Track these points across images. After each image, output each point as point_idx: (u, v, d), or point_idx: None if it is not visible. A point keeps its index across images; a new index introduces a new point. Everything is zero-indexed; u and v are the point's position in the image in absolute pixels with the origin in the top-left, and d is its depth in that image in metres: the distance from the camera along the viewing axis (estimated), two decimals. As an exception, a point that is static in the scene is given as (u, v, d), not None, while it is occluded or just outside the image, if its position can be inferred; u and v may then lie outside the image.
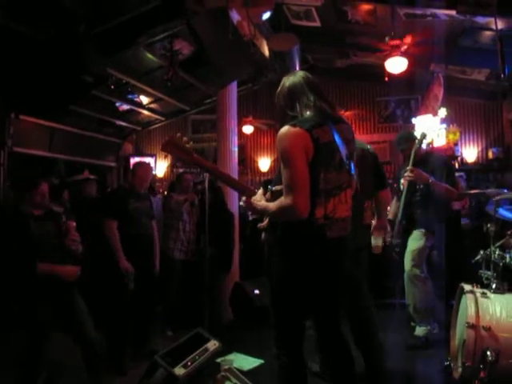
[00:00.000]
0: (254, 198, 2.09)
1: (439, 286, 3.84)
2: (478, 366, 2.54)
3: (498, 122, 7.49)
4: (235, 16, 4.36)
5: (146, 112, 7.34)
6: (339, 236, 2.00)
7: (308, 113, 2.01)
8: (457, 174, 5.39)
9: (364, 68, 7.35)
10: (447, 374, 2.93)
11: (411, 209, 3.86)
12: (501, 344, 2.55)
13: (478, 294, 2.77)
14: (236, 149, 5.49)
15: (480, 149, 7.59)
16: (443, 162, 3.96)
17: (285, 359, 2.06)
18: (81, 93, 5.10)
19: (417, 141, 3.82)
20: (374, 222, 3.44)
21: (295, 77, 2.14)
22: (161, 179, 8.92)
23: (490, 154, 7.38)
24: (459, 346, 2.90)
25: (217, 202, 4.82)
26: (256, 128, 8.28)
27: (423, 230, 3.82)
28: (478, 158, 7.58)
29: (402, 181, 3.84)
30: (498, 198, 3.25)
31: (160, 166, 8.99)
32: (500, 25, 4.54)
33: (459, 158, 7.50)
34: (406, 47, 5.24)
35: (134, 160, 7.04)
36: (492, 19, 4.50)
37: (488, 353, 2.52)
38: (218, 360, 3.08)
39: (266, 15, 4.66)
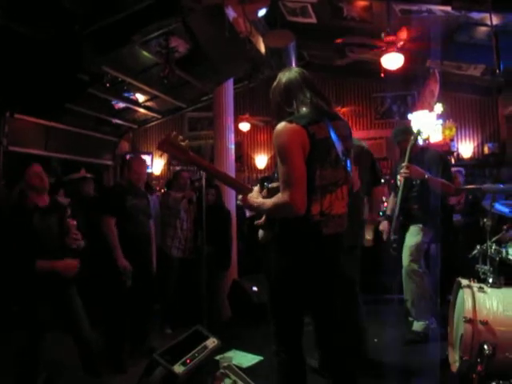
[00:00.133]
0: (250, 195, 2.09)
1: (435, 281, 3.86)
2: (475, 360, 2.56)
3: (494, 118, 7.51)
4: (231, 13, 4.35)
5: (142, 110, 7.34)
6: (335, 232, 2.00)
7: (304, 109, 2.02)
8: (456, 169, 5.41)
9: (360, 64, 7.35)
10: (445, 368, 2.95)
11: (408, 204, 3.87)
12: (497, 338, 2.57)
13: (475, 289, 2.79)
14: (233, 146, 5.49)
15: (476, 144, 7.62)
16: (439, 157, 3.98)
17: (284, 356, 2.06)
18: (76, 91, 5.09)
19: (412, 137, 3.84)
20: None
21: (291, 73, 2.14)
22: (157, 177, 8.92)
23: (486, 150, 7.41)
24: (456, 341, 2.92)
25: (216, 199, 4.83)
26: (253, 125, 8.28)
27: (420, 226, 3.84)
28: (473, 153, 7.61)
29: (399, 177, 3.85)
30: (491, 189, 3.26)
31: (157, 164, 8.97)
32: (495, 20, 4.54)
33: (455, 154, 7.52)
34: (401, 43, 5.24)
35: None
36: (487, 15, 4.50)
37: (485, 347, 2.54)
38: (217, 357, 3.09)
39: (262, 12, 4.66)
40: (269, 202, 1.97)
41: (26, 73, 4.29)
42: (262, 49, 5.74)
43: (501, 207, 3.36)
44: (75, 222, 2.91)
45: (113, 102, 6.78)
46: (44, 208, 2.82)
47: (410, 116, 6.95)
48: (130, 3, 3.97)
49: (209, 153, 7.88)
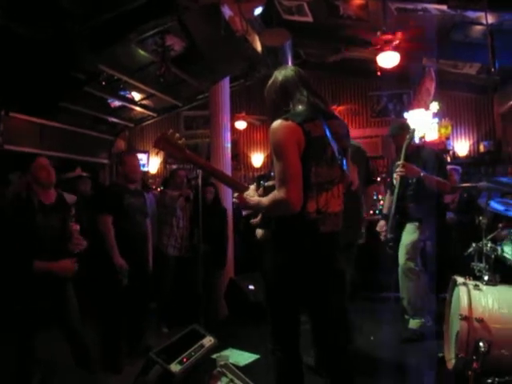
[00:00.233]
0: (246, 193, 2.09)
1: (430, 279, 3.88)
2: (470, 357, 2.58)
3: (489, 116, 7.53)
4: (227, 11, 4.34)
5: (138, 108, 7.33)
6: (332, 231, 2.01)
7: (300, 107, 2.02)
8: (452, 167, 5.42)
9: (356, 63, 7.35)
10: (441, 366, 2.97)
11: (404, 203, 3.88)
12: (493, 335, 2.59)
13: (471, 287, 2.80)
14: (229, 144, 5.49)
15: (471, 142, 7.64)
16: (434, 155, 3.99)
17: (280, 354, 2.06)
18: (72, 90, 5.08)
19: (407, 136, 3.85)
20: None
21: (287, 71, 2.13)
22: (154, 176, 8.90)
23: (482, 148, 7.43)
24: (452, 338, 2.93)
25: (214, 198, 4.83)
26: (249, 123, 8.27)
27: (417, 224, 3.85)
28: (469, 151, 7.63)
29: (395, 175, 3.86)
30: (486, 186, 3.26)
31: (153, 163, 8.96)
32: (490, 19, 4.55)
33: (451, 152, 7.55)
34: (397, 42, 5.25)
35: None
36: (482, 14, 4.51)
37: (481, 344, 2.55)
38: (214, 356, 3.09)
39: (258, 10, 4.65)
40: (265, 199, 1.98)
41: (21, 71, 4.27)
42: (259, 47, 5.74)
43: (496, 205, 3.37)
44: (78, 227, 2.85)
45: (109, 101, 6.76)
46: (48, 206, 2.77)
47: (405, 114, 6.99)
48: (125, 1, 3.95)
49: (205, 151, 7.87)
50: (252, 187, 2.13)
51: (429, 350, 3.37)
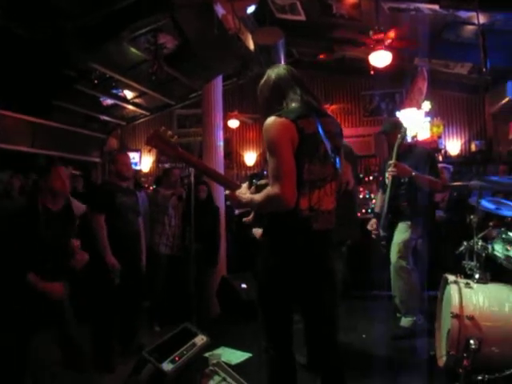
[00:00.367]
0: (238, 191, 2.09)
1: (422, 277, 3.90)
2: (461, 355, 2.59)
3: (481, 116, 7.59)
4: (220, 10, 4.34)
5: (130, 107, 7.30)
6: (325, 228, 2.01)
7: (293, 105, 2.02)
8: (442, 165, 5.46)
9: (349, 62, 7.38)
10: (432, 363, 2.99)
11: (396, 202, 3.90)
12: (483, 333, 2.61)
13: (462, 285, 2.82)
14: (221, 143, 5.48)
15: (463, 141, 7.70)
16: (427, 154, 4.01)
17: (273, 352, 2.06)
18: (64, 88, 5.05)
19: (399, 135, 3.86)
20: None
21: (280, 69, 2.13)
22: (146, 174, 8.87)
23: (473, 147, 7.49)
24: (444, 336, 2.95)
25: (207, 196, 4.82)
26: (241, 122, 8.27)
27: (409, 223, 3.86)
28: (461, 150, 7.69)
29: (387, 175, 3.88)
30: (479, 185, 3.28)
31: (145, 161, 8.93)
32: (482, 19, 4.59)
33: (443, 151, 7.60)
34: (390, 41, 5.27)
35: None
36: (474, 14, 4.55)
37: (471, 341, 2.57)
38: (206, 354, 3.09)
39: (251, 9, 4.65)
40: (258, 196, 1.97)
41: (12, 69, 4.24)
42: (251, 46, 5.73)
43: (487, 204, 3.40)
44: (79, 243, 2.82)
45: (101, 99, 6.73)
46: (55, 213, 2.72)
47: (398, 113, 7.02)
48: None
49: (197, 150, 7.85)
50: (244, 185, 2.13)
51: (420, 347, 3.38)
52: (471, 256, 3.11)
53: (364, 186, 7.46)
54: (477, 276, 2.93)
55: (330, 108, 7.68)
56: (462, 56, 6.00)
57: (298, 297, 2.05)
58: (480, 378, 2.55)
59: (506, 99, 6.21)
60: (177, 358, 2.70)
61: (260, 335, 2.10)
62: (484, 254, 3.04)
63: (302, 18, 5.92)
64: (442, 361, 2.86)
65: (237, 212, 5.87)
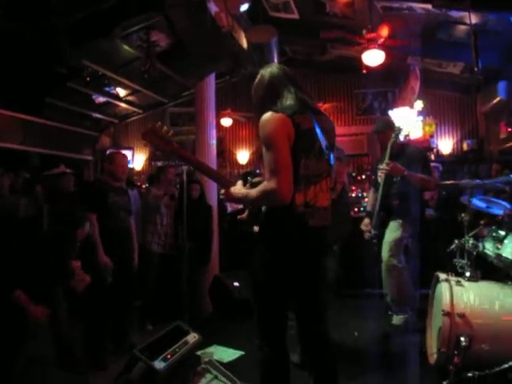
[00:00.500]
0: (233, 188, 2.09)
1: (413, 275, 3.92)
2: (452, 352, 2.61)
3: (473, 115, 7.65)
4: (213, 7, 4.33)
5: (123, 104, 7.25)
6: (321, 225, 2.01)
7: (289, 102, 2.02)
8: (433, 165, 5.49)
9: (342, 61, 7.40)
10: (423, 361, 3.00)
11: (388, 200, 3.91)
12: (474, 330, 2.63)
13: (453, 283, 2.83)
14: (214, 141, 5.47)
15: (455, 141, 7.75)
16: (419, 153, 4.03)
17: (267, 350, 2.06)
18: (55, 85, 5.01)
19: (393, 135, 3.88)
20: None
21: (273, 69, 2.14)
22: (139, 172, 8.84)
23: (465, 146, 7.54)
24: (435, 333, 2.97)
25: (200, 194, 4.81)
26: (235, 120, 8.26)
27: (400, 221, 3.88)
28: (453, 149, 7.74)
29: (380, 173, 3.89)
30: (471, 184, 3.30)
31: (138, 159, 8.89)
32: (474, 19, 4.61)
33: (435, 150, 7.64)
34: (382, 40, 5.29)
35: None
36: (466, 14, 4.57)
37: (462, 339, 2.58)
38: (199, 352, 3.08)
39: (244, 7, 4.65)
40: (253, 191, 1.96)
41: (4, 66, 4.20)
42: (245, 44, 5.72)
43: (478, 202, 3.42)
44: (79, 263, 2.81)
45: (93, 97, 6.68)
46: (59, 213, 2.74)
47: (390, 112, 7.05)
48: (110, -4, 3.92)
49: (190, 148, 7.83)
50: (239, 183, 2.13)
51: (412, 345, 3.40)
52: (462, 254, 3.13)
53: (356, 185, 7.50)
54: (468, 274, 2.95)
55: (323, 106, 7.68)
56: (455, 55, 6.04)
57: (293, 293, 2.06)
58: (470, 374, 2.57)
59: (498, 99, 6.26)
60: (169, 356, 2.69)
61: (254, 333, 2.10)
62: (475, 252, 3.06)
63: (296, 16, 5.92)
64: (432, 358, 2.88)
65: (229, 210, 5.86)
